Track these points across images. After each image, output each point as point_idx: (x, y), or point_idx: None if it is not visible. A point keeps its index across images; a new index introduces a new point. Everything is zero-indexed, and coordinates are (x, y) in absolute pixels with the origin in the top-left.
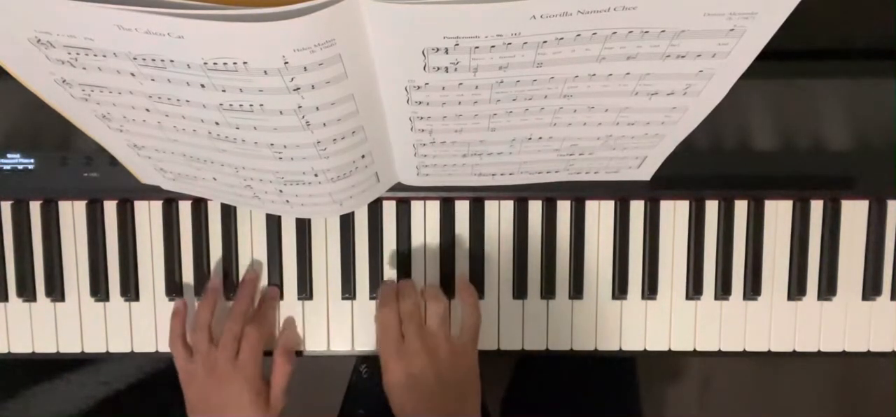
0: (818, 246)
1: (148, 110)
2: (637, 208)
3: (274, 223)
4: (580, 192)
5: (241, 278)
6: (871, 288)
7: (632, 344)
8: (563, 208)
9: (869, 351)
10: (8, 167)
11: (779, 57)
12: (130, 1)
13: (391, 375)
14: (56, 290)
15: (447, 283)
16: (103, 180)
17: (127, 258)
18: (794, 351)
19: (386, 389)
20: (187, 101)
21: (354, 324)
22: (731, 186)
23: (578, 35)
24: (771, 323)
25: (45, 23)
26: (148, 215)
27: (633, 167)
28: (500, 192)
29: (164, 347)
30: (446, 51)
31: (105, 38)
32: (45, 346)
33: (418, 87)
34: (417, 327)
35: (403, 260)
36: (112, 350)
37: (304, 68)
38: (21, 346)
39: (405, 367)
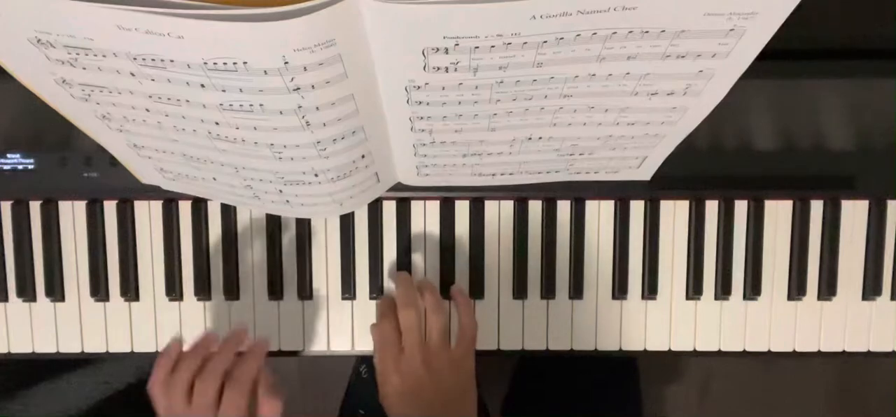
0: (818, 246)
1: (148, 110)
2: (637, 208)
3: (274, 223)
4: (580, 192)
5: (243, 283)
6: (871, 288)
7: (632, 344)
8: (563, 208)
9: (869, 351)
10: (8, 167)
11: (779, 57)
12: (130, 1)
13: (390, 387)
14: (56, 290)
15: (447, 283)
16: (103, 180)
17: (127, 258)
18: (794, 351)
19: (382, 399)
20: (187, 101)
21: (354, 324)
22: (731, 186)
23: (578, 35)
24: (771, 323)
25: (45, 23)
26: (148, 215)
27: (633, 167)
28: (500, 192)
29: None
30: (446, 51)
31: (105, 37)
32: (45, 346)
33: (418, 87)
34: (418, 341)
35: (403, 260)
36: (112, 350)
37: (304, 68)
38: (21, 346)
39: (404, 380)
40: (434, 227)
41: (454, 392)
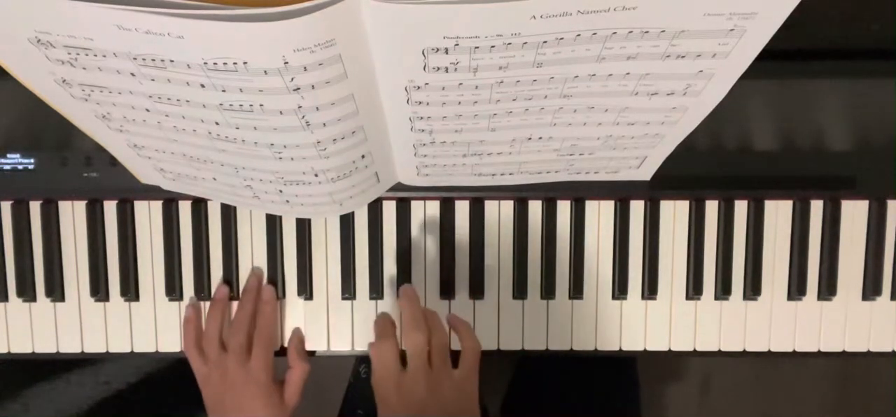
0: (818, 246)
1: (148, 110)
2: (637, 208)
3: (274, 223)
4: (580, 192)
5: (243, 283)
6: (871, 288)
7: (632, 343)
8: (563, 208)
9: (869, 351)
10: (8, 167)
11: (779, 57)
12: (130, 1)
13: (390, 411)
14: (56, 290)
15: (447, 283)
16: (103, 180)
17: (127, 258)
18: (794, 351)
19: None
20: (187, 101)
21: (354, 324)
22: (731, 186)
23: (578, 35)
24: (771, 323)
25: (45, 23)
26: (148, 215)
27: (633, 167)
28: (500, 192)
29: (164, 347)
30: (446, 51)
31: (105, 38)
32: (45, 346)
33: (418, 87)
34: (423, 365)
35: (403, 260)
36: (112, 350)
37: (304, 68)
38: (21, 346)
39: (407, 405)
40: (434, 227)
41: (456, 413)
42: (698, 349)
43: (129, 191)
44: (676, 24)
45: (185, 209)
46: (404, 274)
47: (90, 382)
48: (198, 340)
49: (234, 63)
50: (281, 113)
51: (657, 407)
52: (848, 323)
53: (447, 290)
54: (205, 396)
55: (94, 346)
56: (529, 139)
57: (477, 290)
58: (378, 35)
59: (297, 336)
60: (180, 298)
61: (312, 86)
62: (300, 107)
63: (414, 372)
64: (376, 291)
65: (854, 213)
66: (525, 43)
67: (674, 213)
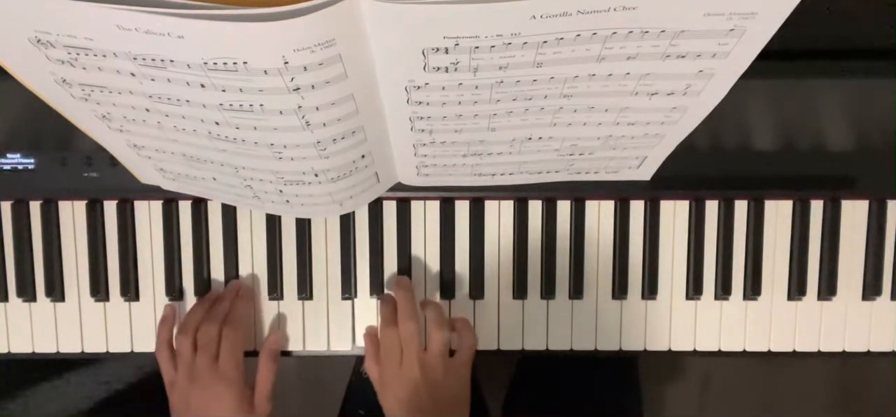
0: (818, 246)
1: (148, 110)
2: (637, 208)
3: (274, 223)
4: (580, 192)
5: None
6: (871, 288)
7: (632, 343)
8: (563, 208)
9: (869, 351)
10: (8, 167)
11: (779, 57)
12: (131, 1)
13: (390, 393)
14: (56, 290)
15: (447, 283)
16: (103, 180)
17: (127, 258)
18: (794, 351)
19: (380, 398)
20: (187, 101)
21: (354, 324)
22: (731, 186)
23: (578, 35)
24: (771, 323)
25: (45, 23)
26: (148, 215)
27: (633, 167)
28: (500, 192)
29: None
30: (446, 51)
31: (105, 38)
32: (45, 346)
33: (418, 87)
34: (417, 352)
35: (403, 260)
36: (112, 350)
37: (304, 68)
38: (21, 346)
39: (403, 387)
40: (434, 227)
41: (448, 400)
42: (698, 349)
43: (129, 191)
44: (676, 24)
45: (185, 209)
46: (404, 274)
47: (90, 382)
48: (169, 340)
49: (234, 63)
50: (281, 113)
51: (657, 407)
52: (848, 323)
53: (447, 290)
54: (171, 402)
55: (94, 346)
56: (529, 139)
57: (477, 290)
58: (378, 35)
59: (273, 337)
60: (180, 298)
61: (312, 86)
62: (300, 107)
63: (408, 360)
64: (376, 291)
65: (854, 213)
66: (525, 43)
67: (674, 213)
